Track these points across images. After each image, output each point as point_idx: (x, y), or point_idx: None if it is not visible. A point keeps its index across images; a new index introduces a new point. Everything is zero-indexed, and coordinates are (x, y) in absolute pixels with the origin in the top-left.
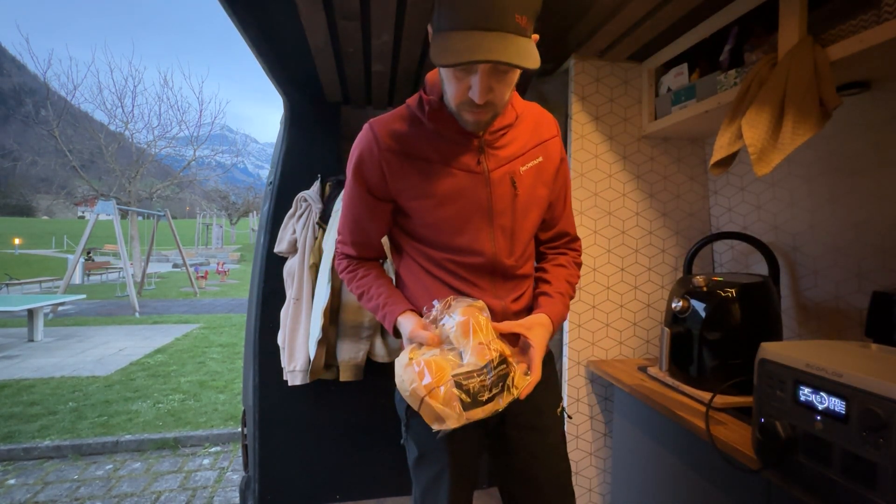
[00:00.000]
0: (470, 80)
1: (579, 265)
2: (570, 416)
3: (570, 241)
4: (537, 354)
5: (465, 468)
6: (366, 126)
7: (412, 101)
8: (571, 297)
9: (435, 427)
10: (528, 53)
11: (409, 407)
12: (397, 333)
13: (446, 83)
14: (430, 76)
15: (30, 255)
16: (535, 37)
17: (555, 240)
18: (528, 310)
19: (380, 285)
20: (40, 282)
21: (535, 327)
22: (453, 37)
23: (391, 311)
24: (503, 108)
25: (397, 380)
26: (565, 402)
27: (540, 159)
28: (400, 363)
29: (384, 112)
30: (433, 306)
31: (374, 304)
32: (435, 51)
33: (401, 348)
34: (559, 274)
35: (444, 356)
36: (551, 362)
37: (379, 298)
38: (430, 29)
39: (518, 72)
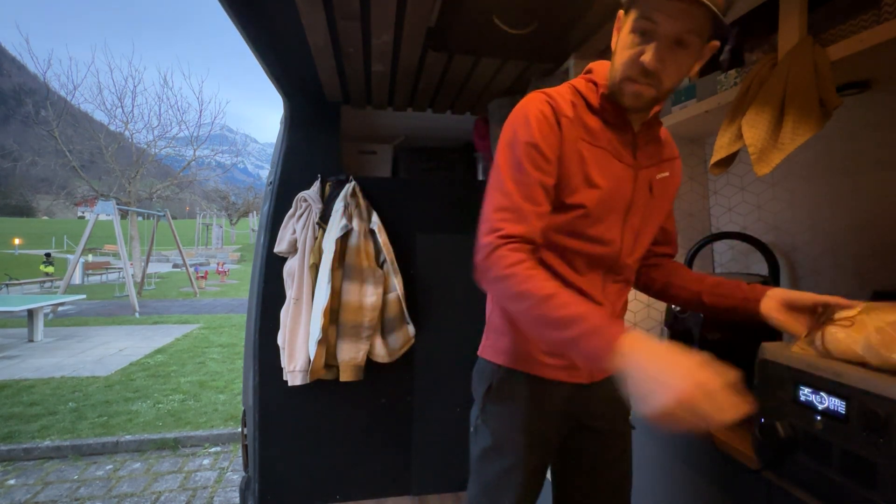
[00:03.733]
0: (645, 47)
1: None
2: (633, 427)
3: (671, 254)
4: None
5: (539, 470)
6: (539, 93)
7: (578, 83)
8: None
9: None
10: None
11: (488, 388)
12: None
13: (619, 51)
14: (594, 65)
15: (30, 255)
16: (715, 43)
17: (669, 255)
18: (623, 318)
19: (576, 296)
20: (40, 282)
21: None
22: None
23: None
24: (664, 94)
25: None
26: None
27: (667, 174)
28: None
29: (384, 112)
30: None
31: (572, 310)
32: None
33: (401, 348)
34: (691, 273)
35: None
36: None
37: (582, 316)
38: None
39: (690, 61)
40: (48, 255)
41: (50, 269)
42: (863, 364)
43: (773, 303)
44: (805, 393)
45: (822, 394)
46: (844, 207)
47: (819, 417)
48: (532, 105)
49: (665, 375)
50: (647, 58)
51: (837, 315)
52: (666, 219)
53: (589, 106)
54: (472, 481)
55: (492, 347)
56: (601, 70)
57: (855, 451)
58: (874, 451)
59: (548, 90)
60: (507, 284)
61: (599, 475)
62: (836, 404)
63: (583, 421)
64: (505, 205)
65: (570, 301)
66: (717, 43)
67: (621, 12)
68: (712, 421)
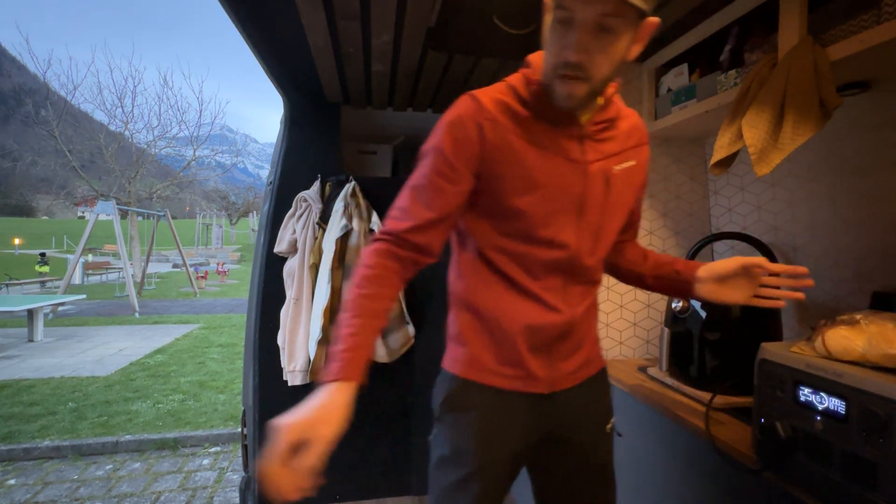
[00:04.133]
0: (568, 38)
1: None
2: (620, 434)
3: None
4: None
5: (498, 481)
6: (465, 96)
7: (513, 79)
8: None
9: None
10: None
11: (444, 399)
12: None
13: (549, 44)
14: (532, 57)
15: (30, 255)
16: (654, 20)
17: (633, 249)
18: (590, 321)
19: (368, 316)
20: (40, 282)
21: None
22: None
23: (337, 365)
24: (599, 85)
25: None
26: None
27: (633, 162)
28: None
29: (384, 112)
30: None
31: (341, 333)
32: None
33: (401, 348)
34: (664, 257)
35: None
36: (605, 374)
37: (346, 338)
38: None
39: (622, 45)
40: (43, 254)
41: (45, 269)
42: (863, 364)
43: (704, 285)
44: (805, 393)
45: (822, 394)
46: (845, 207)
47: (819, 417)
48: (452, 110)
49: (304, 407)
50: (569, 51)
51: (839, 317)
52: (632, 212)
53: (525, 103)
54: (430, 489)
55: (450, 357)
56: (538, 62)
57: (855, 451)
58: (874, 451)
59: (478, 91)
60: (351, 282)
61: (578, 487)
62: (836, 404)
63: (554, 432)
64: (400, 204)
65: (345, 322)
66: (655, 19)
67: (546, 2)
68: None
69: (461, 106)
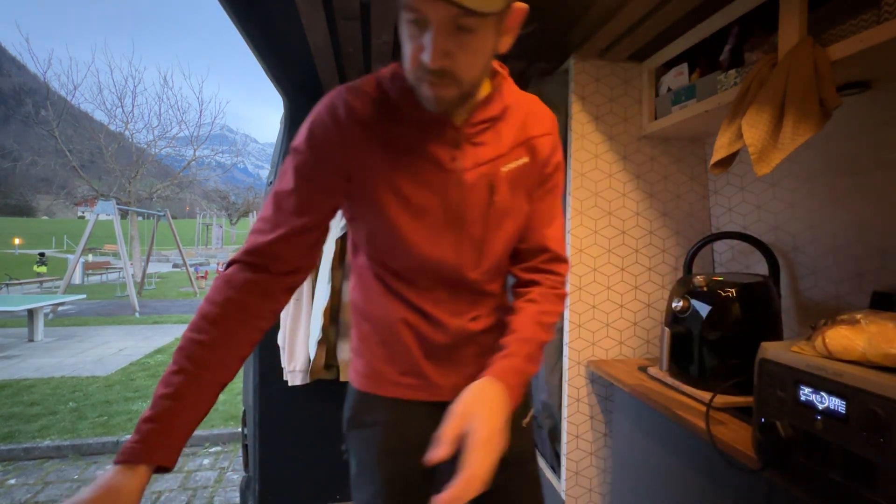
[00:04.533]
0: (423, 40)
1: (561, 297)
2: (541, 426)
3: (549, 261)
4: (476, 449)
5: (410, 493)
6: (333, 91)
7: (382, 73)
8: (547, 339)
9: None
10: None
11: (349, 415)
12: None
13: (403, 46)
14: None
15: (30, 255)
16: (522, 5)
17: (529, 256)
18: (491, 330)
19: (199, 369)
20: (40, 282)
21: (475, 409)
22: None
23: (133, 441)
24: (471, 85)
25: None
26: (565, 402)
27: (524, 160)
28: None
29: None
30: None
31: (155, 392)
32: None
33: None
34: (527, 314)
35: None
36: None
37: (156, 401)
38: None
39: (485, 38)
40: (42, 254)
41: (43, 269)
42: (863, 364)
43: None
44: (805, 393)
45: (822, 394)
46: (844, 207)
47: (819, 417)
48: (317, 106)
49: (85, 492)
50: (426, 57)
51: (839, 317)
52: (532, 217)
53: (393, 103)
54: None
55: (352, 370)
56: None
57: (855, 451)
58: (874, 451)
59: (351, 84)
60: (191, 321)
61: (499, 485)
62: (836, 404)
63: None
64: (264, 215)
65: (164, 377)
66: (522, 5)
67: None
68: None
69: (325, 102)
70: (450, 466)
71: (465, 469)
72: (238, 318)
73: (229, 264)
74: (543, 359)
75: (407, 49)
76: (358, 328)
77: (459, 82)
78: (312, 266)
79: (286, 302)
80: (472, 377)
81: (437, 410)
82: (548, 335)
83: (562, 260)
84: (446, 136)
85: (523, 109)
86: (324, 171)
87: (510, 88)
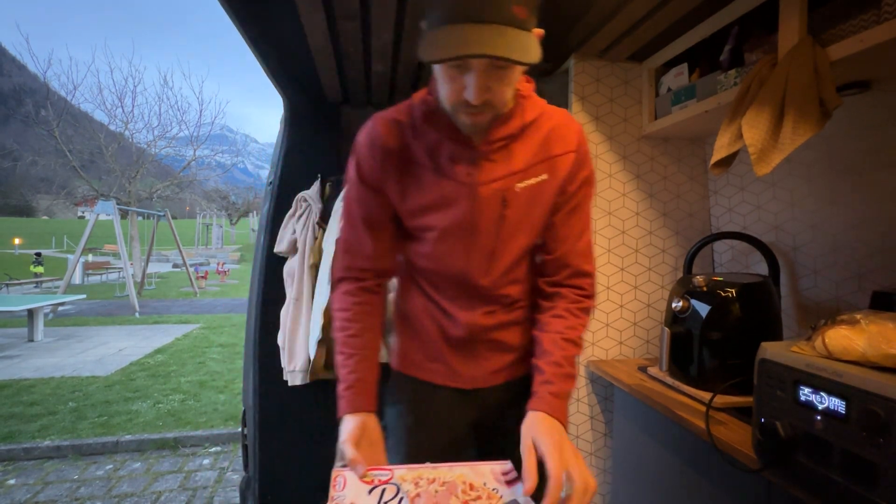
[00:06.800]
0: (465, 80)
1: (586, 310)
2: None
3: (572, 276)
4: (568, 465)
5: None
6: (369, 120)
7: (417, 96)
8: (578, 353)
9: None
10: (526, 47)
11: (385, 391)
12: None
13: (440, 84)
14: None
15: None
16: (539, 31)
17: (553, 271)
18: (507, 326)
19: (359, 350)
20: (40, 282)
21: (539, 437)
22: (444, 31)
23: (347, 400)
24: (504, 108)
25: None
26: None
27: (544, 177)
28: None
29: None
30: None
31: (340, 372)
32: (423, 46)
33: None
34: (555, 331)
35: None
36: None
37: (347, 372)
38: (421, 26)
39: (519, 69)
40: (38, 254)
41: (40, 269)
42: (863, 364)
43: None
44: (805, 393)
45: (822, 394)
46: (844, 207)
47: (819, 417)
48: (358, 135)
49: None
50: (471, 95)
51: (839, 317)
52: (553, 226)
53: (420, 126)
54: None
55: (392, 354)
56: (436, 86)
57: (855, 451)
58: (874, 451)
59: (380, 114)
60: (333, 325)
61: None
62: (836, 404)
63: (481, 422)
64: (344, 237)
65: (340, 363)
66: (540, 31)
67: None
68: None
69: (363, 130)
70: (472, 451)
71: (573, 484)
72: (365, 311)
73: (338, 281)
74: None
75: (445, 88)
76: (396, 316)
77: (494, 108)
78: (397, 266)
79: (385, 289)
80: (489, 374)
81: (458, 396)
82: (577, 348)
83: (585, 274)
84: (465, 154)
85: (548, 126)
86: (371, 194)
87: (533, 104)
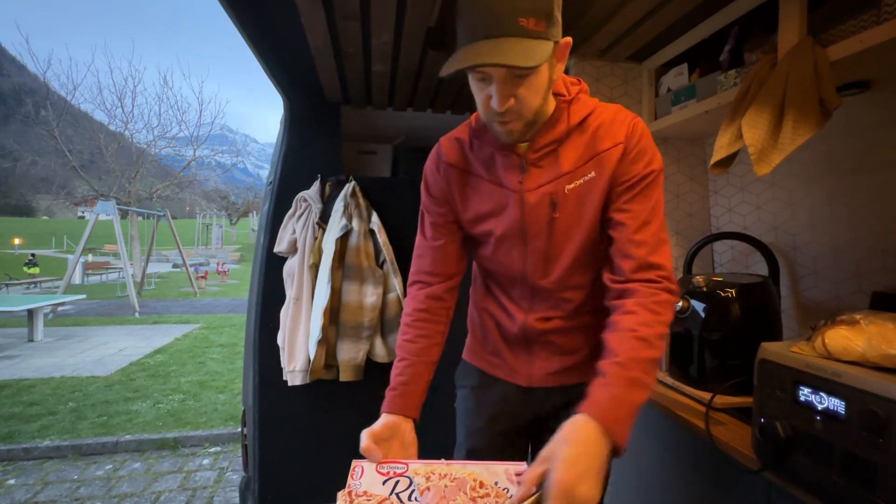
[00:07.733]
0: (489, 90)
1: (663, 303)
2: None
3: (638, 269)
4: (551, 500)
5: (484, 450)
6: (441, 139)
7: (474, 116)
8: (653, 355)
9: None
10: (527, 54)
11: (456, 376)
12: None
13: (475, 96)
14: None
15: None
16: (567, 40)
17: (618, 266)
18: (565, 331)
19: (410, 356)
20: (40, 282)
21: (560, 451)
22: (463, 48)
23: (387, 400)
24: (532, 115)
25: None
26: None
27: (591, 175)
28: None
29: (384, 112)
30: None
31: (392, 373)
32: (444, 65)
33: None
34: (624, 330)
35: None
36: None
37: (395, 374)
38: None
39: (542, 75)
40: (32, 255)
41: (35, 271)
42: (863, 364)
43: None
44: (805, 393)
45: (822, 394)
46: (844, 207)
47: (819, 417)
48: (428, 157)
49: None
50: (495, 103)
51: (839, 317)
52: (613, 222)
53: (474, 142)
54: None
55: (466, 345)
56: None
57: (854, 451)
58: (874, 451)
59: (445, 137)
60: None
61: None
62: (836, 404)
63: (538, 419)
64: (417, 244)
65: (394, 366)
66: (568, 40)
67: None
68: None
69: (433, 151)
70: (525, 445)
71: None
72: (424, 317)
73: (410, 285)
74: None
75: (478, 98)
76: (469, 312)
77: (522, 115)
78: (462, 269)
79: (453, 300)
80: (546, 375)
81: (514, 391)
82: (651, 350)
83: (654, 266)
84: (514, 163)
85: (595, 123)
86: (437, 205)
87: (581, 106)
